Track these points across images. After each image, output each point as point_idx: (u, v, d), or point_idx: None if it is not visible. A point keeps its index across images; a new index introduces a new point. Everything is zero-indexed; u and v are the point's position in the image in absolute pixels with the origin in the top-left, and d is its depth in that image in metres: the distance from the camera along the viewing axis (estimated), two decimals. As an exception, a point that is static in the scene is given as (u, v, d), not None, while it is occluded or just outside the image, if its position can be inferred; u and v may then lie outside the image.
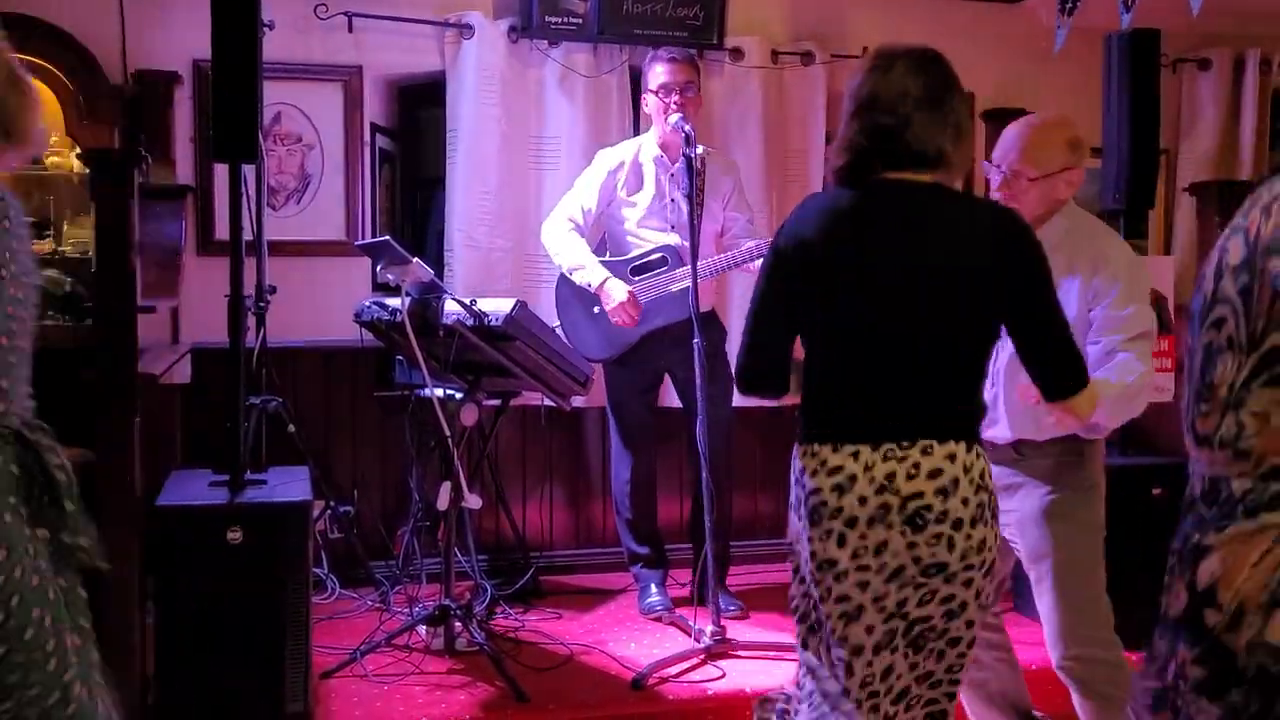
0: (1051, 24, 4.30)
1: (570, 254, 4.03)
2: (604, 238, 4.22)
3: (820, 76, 4.78)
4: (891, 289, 2.14)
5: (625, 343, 4.04)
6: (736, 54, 4.69)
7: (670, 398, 4.29)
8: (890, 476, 2.08)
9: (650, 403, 4.23)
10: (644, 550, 4.19)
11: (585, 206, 4.09)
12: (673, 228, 4.00)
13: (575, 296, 4.10)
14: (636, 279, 4.02)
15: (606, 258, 4.11)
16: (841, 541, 2.11)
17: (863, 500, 2.09)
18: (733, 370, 2.40)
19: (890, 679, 2.16)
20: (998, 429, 2.76)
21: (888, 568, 2.09)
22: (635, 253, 4.08)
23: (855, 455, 2.11)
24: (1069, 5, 4.16)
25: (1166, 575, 1.46)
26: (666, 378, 4.23)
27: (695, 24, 4.58)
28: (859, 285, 2.16)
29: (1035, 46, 4.64)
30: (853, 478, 2.10)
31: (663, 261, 4.02)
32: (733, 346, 4.34)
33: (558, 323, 4.13)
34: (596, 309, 4.01)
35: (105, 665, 2.07)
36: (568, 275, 4.07)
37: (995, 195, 2.80)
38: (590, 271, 3.99)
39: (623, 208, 4.11)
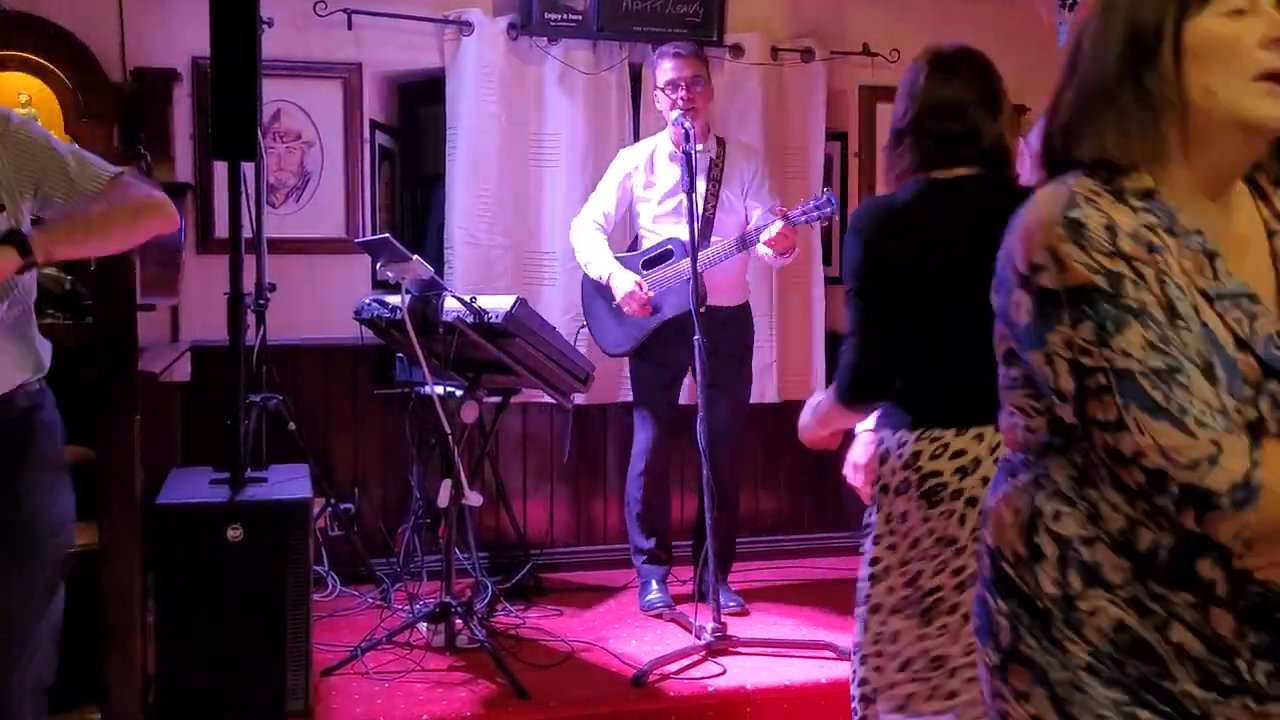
0: (1052, 20, 4.30)
1: (586, 250, 4.13)
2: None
3: (820, 73, 4.78)
4: (982, 279, 2.21)
5: (639, 336, 4.07)
6: (736, 50, 4.68)
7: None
8: None
9: (672, 399, 4.21)
10: (648, 545, 4.19)
11: (605, 209, 4.18)
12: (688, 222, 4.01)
13: (597, 292, 4.16)
14: (647, 273, 4.04)
15: (623, 253, 4.19)
16: (962, 521, 2.20)
17: (985, 480, 2.17)
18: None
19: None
20: None
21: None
22: (646, 246, 4.12)
23: (979, 438, 2.21)
24: (1070, 1, 4.16)
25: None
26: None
27: (695, 20, 4.58)
28: (958, 279, 2.20)
29: (1035, 42, 4.63)
30: (976, 460, 2.20)
31: (669, 254, 4.04)
32: (759, 344, 4.36)
33: (584, 323, 4.25)
34: (614, 303, 4.05)
35: (107, 663, 2.09)
36: (585, 271, 4.14)
37: None
38: (601, 266, 4.06)
39: (640, 204, 4.16)
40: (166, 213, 2.32)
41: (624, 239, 4.42)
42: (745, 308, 4.20)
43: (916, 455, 2.25)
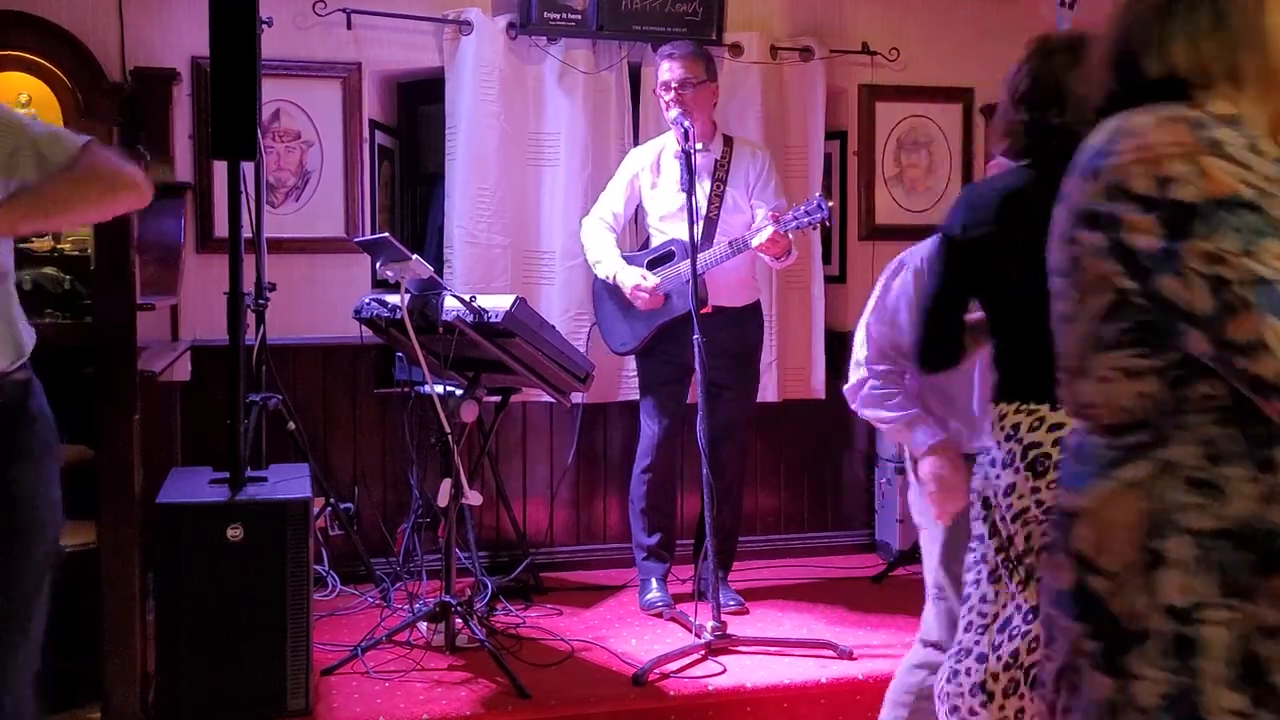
0: (1052, 19, 4.29)
1: (594, 249, 4.17)
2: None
3: (819, 72, 4.77)
4: None
5: (644, 335, 4.09)
6: (736, 49, 4.68)
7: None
8: None
9: (678, 396, 4.20)
10: (650, 542, 4.19)
11: (614, 209, 4.22)
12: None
13: (606, 290, 4.20)
14: (651, 273, 4.05)
15: (633, 252, 4.23)
16: None
17: None
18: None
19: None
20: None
21: None
22: (654, 245, 4.15)
23: None
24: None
25: (1048, 546, 1.49)
26: None
27: (694, 19, 4.57)
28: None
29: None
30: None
31: (671, 255, 4.04)
32: (767, 342, 4.36)
33: (595, 321, 4.30)
34: (622, 302, 4.10)
35: (107, 663, 2.11)
36: (594, 270, 4.18)
37: None
38: (608, 265, 4.10)
39: (647, 204, 4.20)
40: (137, 188, 2.30)
41: (635, 238, 4.44)
42: (754, 308, 4.19)
43: (1016, 427, 2.27)
